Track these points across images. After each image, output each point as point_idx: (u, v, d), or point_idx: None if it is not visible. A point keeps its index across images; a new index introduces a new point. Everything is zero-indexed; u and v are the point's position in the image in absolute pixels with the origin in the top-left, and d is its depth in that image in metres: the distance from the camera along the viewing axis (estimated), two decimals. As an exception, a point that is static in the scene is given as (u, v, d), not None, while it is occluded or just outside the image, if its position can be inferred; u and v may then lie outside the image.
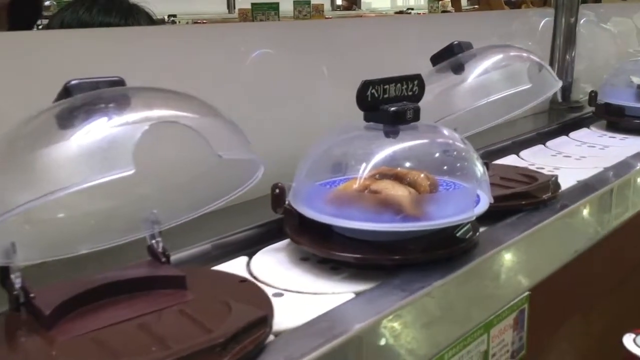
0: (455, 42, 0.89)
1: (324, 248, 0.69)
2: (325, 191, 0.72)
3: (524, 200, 0.83)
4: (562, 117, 1.56)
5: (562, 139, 1.31)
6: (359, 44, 1.15)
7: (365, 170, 0.71)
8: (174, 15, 4.34)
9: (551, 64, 1.70)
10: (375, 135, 0.73)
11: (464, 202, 0.69)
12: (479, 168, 0.73)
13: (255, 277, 0.69)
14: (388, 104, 0.71)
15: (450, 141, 0.74)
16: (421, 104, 0.82)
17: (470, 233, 0.72)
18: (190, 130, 0.55)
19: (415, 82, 0.74)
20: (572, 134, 1.34)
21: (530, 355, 0.82)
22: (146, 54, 0.84)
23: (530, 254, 0.78)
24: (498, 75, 0.85)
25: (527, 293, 0.79)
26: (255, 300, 0.56)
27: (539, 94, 0.91)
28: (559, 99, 1.66)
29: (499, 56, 0.87)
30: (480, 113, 0.96)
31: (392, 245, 0.69)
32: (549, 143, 1.26)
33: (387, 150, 0.71)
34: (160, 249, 0.61)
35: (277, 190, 0.74)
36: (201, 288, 0.58)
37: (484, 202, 0.72)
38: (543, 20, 1.68)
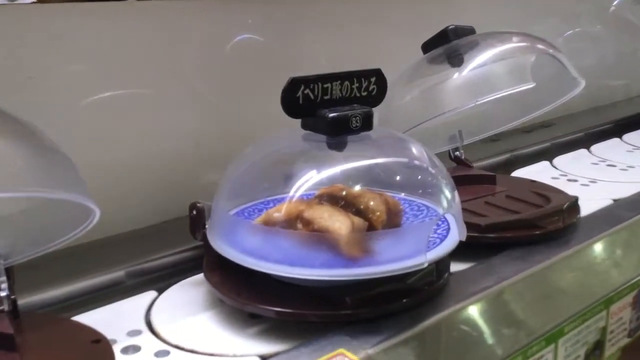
0: (451, 27, 0.71)
1: (234, 294, 0.54)
2: (241, 220, 0.56)
3: (521, 231, 0.65)
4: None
5: (613, 141, 1.09)
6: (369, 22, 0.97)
7: (297, 191, 0.55)
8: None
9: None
10: (314, 147, 0.57)
11: (418, 241, 0.52)
12: (447, 194, 0.56)
13: (149, 324, 0.55)
14: (329, 108, 0.55)
15: (412, 159, 0.57)
16: (404, 100, 0.66)
17: (431, 278, 0.55)
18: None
19: (373, 80, 0.57)
20: (626, 136, 1.11)
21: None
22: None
23: (508, 309, 0.59)
24: (500, 70, 0.67)
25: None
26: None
27: (560, 94, 0.72)
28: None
29: (506, 46, 0.69)
30: (488, 115, 0.78)
31: (327, 292, 0.53)
32: (594, 147, 1.05)
33: (324, 167, 0.55)
34: (4, 292, 0.48)
35: (195, 212, 0.59)
36: (36, 350, 0.45)
37: (450, 241, 0.55)
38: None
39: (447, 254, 0.53)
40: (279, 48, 0.90)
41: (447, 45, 0.71)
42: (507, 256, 0.64)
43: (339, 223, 0.54)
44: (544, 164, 0.97)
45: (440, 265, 0.57)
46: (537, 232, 0.65)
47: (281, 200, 0.57)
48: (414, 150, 0.58)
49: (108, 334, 0.52)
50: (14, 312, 0.48)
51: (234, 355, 0.50)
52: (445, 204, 0.56)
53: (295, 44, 0.91)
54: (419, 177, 0.58)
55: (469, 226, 0.65)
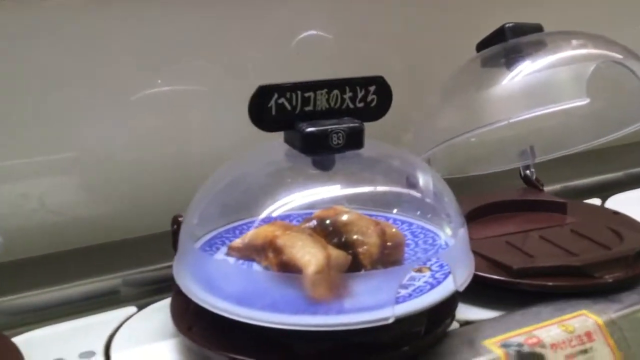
0: (509, 25, 0.59)
1: (185, 327, 0.48)
2: (193, 249, 0.50)
3: (565, 280, 0.52)
4: None
5: None
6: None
7: (266, 213, 0.48)
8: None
9: None
10: (296, 165, 0.49)
11: (388, 290, 0.43)
12: (446, 231, 0.46)
13: (108, 346, 0.51)
14: (311, 121, 0.47)
15: (406, 185, 0.47)
16: (441, 109, 0.57)
17: (418, 329, 0.46)
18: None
19: (372, 89, 0.48)
20: None
21: None
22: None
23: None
24: (555, 79, 0.54)
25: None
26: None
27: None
28: None
29: (566, 52, 0.56)
30: (564, 131, 0.66)
31: (288, 339, 0.45)
32: None
33: (299, 188, 0.48)
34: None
35: (176, 226, 0.54)
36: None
37: (439, 291, 0.45)
38: None
39: (428, 307, 0.43)
40: (347, 45, 0.82)
41: (504, 45, 0.60)
42: (544, 309, 0.52)
43: (309, 256, 0.46)
44: (640, 193, 0.80)
45: (433, 316, 0.47)
46: (586, 283, 0.52)
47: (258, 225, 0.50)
48: (416, 173, 0.48)
49: (60, 353, 0.50)
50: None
51: (175, 397, 0.45)
52: (440, 241, 0.46)
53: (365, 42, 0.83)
54: (417, 210, 0.48)
55: (500, 266, 0.54)
